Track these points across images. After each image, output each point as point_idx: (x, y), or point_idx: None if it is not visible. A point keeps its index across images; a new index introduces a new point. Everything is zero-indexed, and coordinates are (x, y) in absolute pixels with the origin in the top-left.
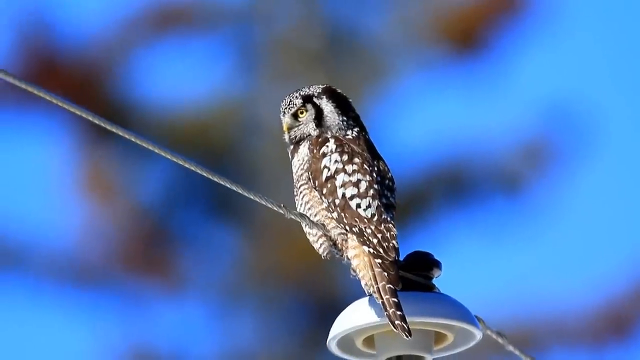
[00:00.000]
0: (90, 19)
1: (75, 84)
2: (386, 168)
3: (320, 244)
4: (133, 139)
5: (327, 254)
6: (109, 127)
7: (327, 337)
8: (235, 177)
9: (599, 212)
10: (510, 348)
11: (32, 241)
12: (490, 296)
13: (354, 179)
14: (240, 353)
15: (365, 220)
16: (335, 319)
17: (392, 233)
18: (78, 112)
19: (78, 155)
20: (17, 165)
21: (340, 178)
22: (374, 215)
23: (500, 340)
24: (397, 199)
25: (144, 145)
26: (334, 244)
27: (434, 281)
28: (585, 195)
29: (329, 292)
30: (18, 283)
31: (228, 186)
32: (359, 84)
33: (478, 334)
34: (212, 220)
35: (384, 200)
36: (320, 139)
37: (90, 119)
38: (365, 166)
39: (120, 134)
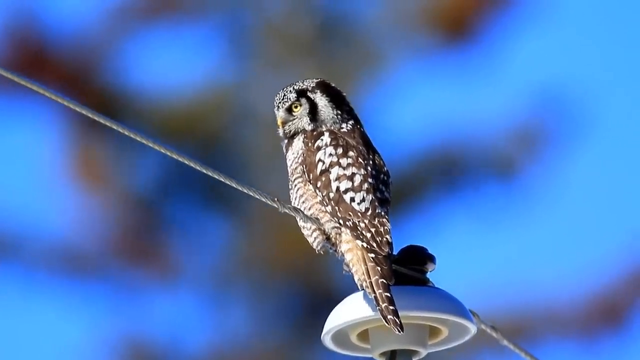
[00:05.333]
0: (80, 7)
1: (66, 74)
2: (382, 162)
3: (314, 238)
4: (126, 132)
5: (320, 248)
6: (102, 120)
7: (322, 332)
8: (227, 165)
9: (592, 198)
10: (505, 342)
11: (23, 231)
12: (484, 283)
13: (348, 172)
14: (233, 343)
15: (359, 214)
16: (328, 309)
17: (385, 227)
18: (71, 105)
19: (70, 144)
20: (7, 153)
21: (335, 171)
22: (368, 209)
23: (494, 334)
24: (391, 187)
25: (138, 139)
26: (328, 238)
27: (429, 275)
28: (578, 180)
29: (323, 282)
30: (9, 273)
31: (222, 180)
32: (351, 71)
33: (472, 328)
34: (205, 209)
35: (378, 195)
36: (315, 133)
37: (84, 112)
38: (360, 160)
39: (113, 126)
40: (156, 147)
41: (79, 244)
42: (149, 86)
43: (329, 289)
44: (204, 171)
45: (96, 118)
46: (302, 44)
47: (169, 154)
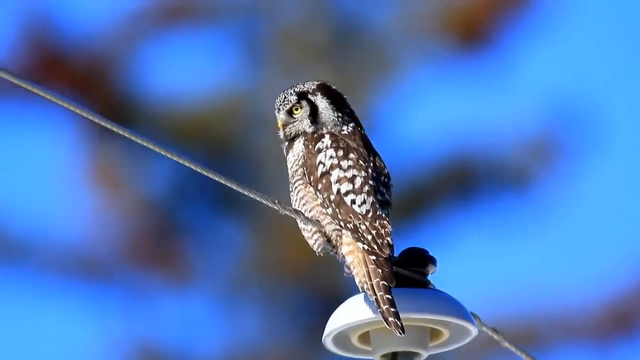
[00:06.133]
0: (96, 12)
1: (80, 78)
2: (382, 164)
3: (315, 240)
4: (131, 137)
5: (321, 250)
6: (114, 128)
7: (322, 334)
8: (240, 171)
9: (605, 208)
10: (506, 344)
11: (38, 235)
12: (497, 291)
13: (349, 174)
14: (245, 347)
15: (360, 216)
16: None
17: (386, 230)
18: (83, 113)
19: (85, 148)
20: (23, 158)
21: (336, 174)
22: (369, 211)
23: (495, 336)
24: (395, 195)
25: (143, 143)
26: (329, 240)
27: (431, 277)
28: (591, 190)
29: (334, 286)
30: (24, 276)
31: (222, 182)
32: (365, 77)
33: (473, 331)
34: (218, 214)
35: (379, 197)
36: (315, 135)
37: (97, 120)
38: (360, 162)
39: (120, 131)
40: (157, 149)
41: (93, 248)
42: (164, 91)
43: (341, 292)
44: (205, 173)
45: (105, 124)
46: (316, 50)
47: (169, 155)
